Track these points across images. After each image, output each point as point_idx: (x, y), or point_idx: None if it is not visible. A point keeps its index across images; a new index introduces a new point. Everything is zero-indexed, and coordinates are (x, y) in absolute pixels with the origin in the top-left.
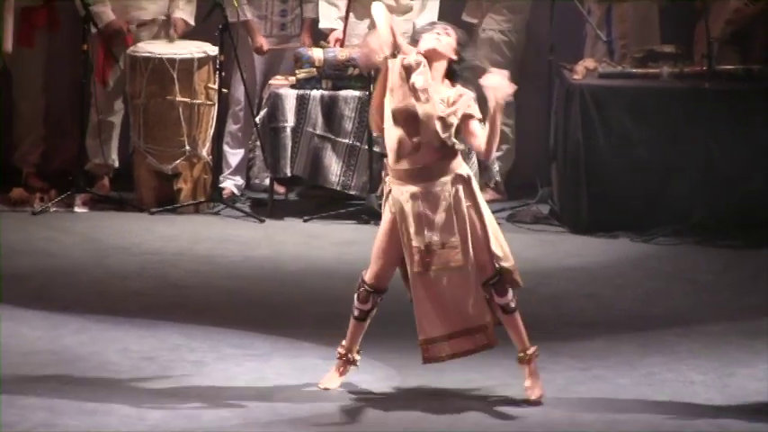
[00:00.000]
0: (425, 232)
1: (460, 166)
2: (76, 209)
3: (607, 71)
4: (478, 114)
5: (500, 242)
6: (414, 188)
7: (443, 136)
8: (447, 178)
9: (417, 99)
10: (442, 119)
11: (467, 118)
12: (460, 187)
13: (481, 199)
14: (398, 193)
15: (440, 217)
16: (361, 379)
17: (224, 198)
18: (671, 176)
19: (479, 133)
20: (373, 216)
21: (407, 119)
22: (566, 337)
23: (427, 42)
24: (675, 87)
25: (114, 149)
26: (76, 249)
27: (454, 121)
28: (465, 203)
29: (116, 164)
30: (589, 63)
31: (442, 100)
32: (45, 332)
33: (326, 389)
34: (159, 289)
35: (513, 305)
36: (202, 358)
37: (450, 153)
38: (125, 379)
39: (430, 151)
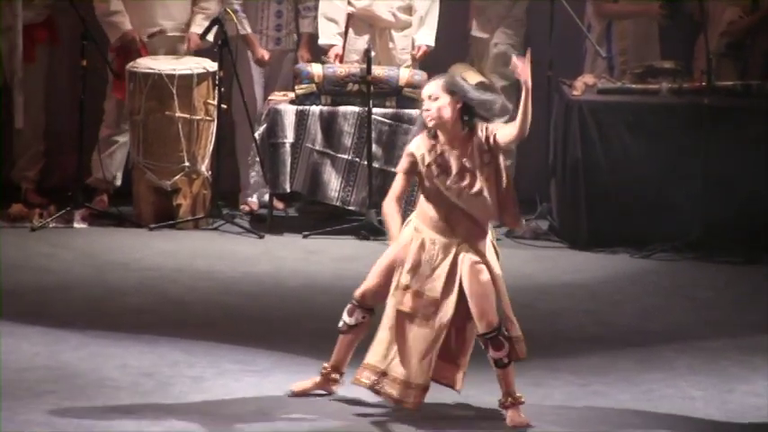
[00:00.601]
0: (417, 277)
1: (486, 245)
2: (75, 225)
3: (606, 87)
4: (501, 122)
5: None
6: (434, 236)
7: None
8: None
9: None
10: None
11: (495, 135)
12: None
13: (493, 260)
14: (419, 231)
15: (436, 272)
16: (363, 394)
17: (247, 214)
18: (670, 192)
19: (510, 128)
20: (372, 232)
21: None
22: (565, 352)
23: (426, 123)
24: (675, 103)
25: (119, 167)
26: (75, 265)
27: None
28: (468, 262)
29: (118, 182)
30: (588, 79)
31: (470, 156)
32: (44, 348)
33: (294, 392)
34: (158, 305)
35: (506, 360)
36: (202, 374)
37: (484, 230)
38: (124, 395)
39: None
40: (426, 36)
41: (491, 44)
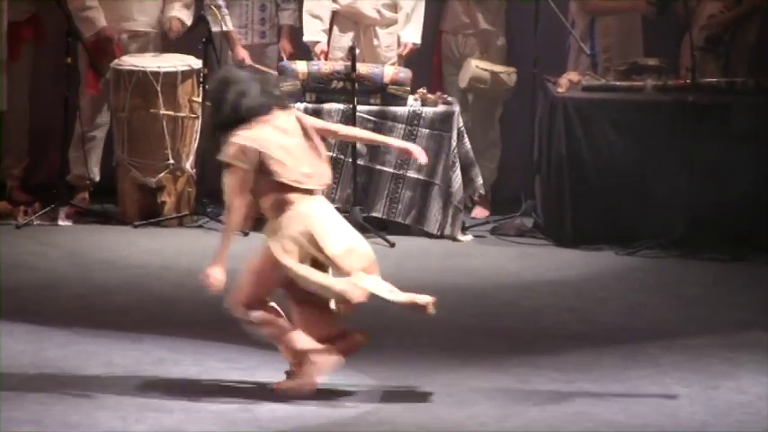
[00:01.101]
0: None
1: None
2: (60, 222)
3: (591, 84)
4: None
5: None
6: None
7: None
8: None
9: None
10: None
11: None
12: None
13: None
14: None
15: None
16: (344, 392)
17: None
18: (655, 189)
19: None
20: (357, 229)
21: None
22: (549, 350)
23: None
24: (659, 100)
25: (96, 163)
26: (60, 263)
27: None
28: None
29: (96, 177)
30: (573, 76)
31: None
32: (29, 346)
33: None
34: (144, 302)
35: None
36: (186, 371)
37: None
38: (110, 393)
39: None
40: (412, 33)
41: (496, 38)
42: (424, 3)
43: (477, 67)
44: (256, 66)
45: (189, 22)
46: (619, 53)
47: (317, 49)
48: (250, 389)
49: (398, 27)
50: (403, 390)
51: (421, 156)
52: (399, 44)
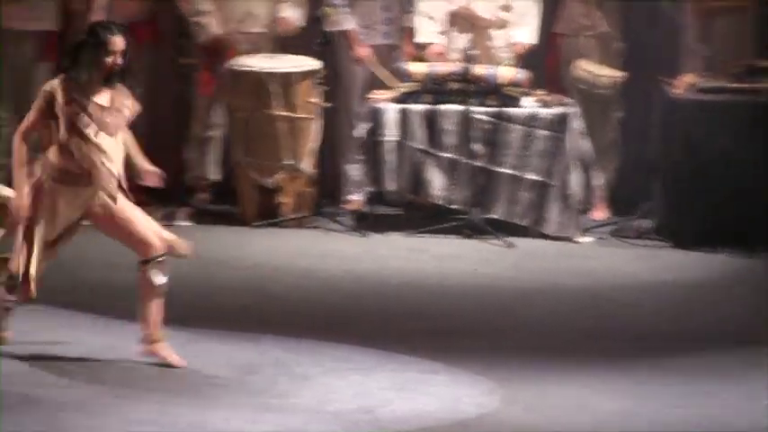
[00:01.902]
0: None
1: None
2: (179, 222)
3: (708, 86)
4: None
5: None
6: None
7: None
8: None
9: None
10: None
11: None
12: None
13: None
14: None
15: None
16: (465, 393)
17: (350, 212)
18: None
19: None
20: (476, 230)
21: None
22: (668, 351)
23: None
24: None
25: (214, 163)
26: (179, 263)
27: None
28: None
29: (216, 177)
30: (690, 77)
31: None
32: None
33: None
34: (262, 303)
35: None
36: (306, 372)
37: None
38: (229, 393)
39: None
40: (527, 34)
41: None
42: (537, 3)
43: (581, 68)
44: (374, 69)
45: (299, 21)
46: (732, 54)
47: (432, 50)
48: (370, 389)
49: (513, 28)
50: (523, 391)
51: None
52: (514, 45)
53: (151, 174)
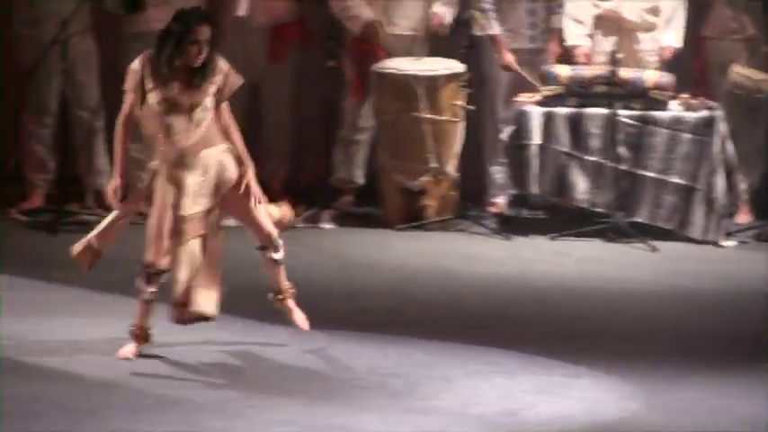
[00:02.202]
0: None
1: None
2: (323, 225)
3: None
4: None
5: None
6: None
7: None
8: None
9: None
10: None
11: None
12: None
13: None
14: None
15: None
16: (607, 397)
17: (494, 215)
18: None
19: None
20: (620, 234)
21: None
22: None
23: None
24: None
25: (360, 166)
26: (322, 265)
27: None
28: None
29: (361, 181)
30: None
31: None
32: (291, 348)
33: (127, 358)
34: (405, 306)
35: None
36: (448, 374)
37: None
38: (372, 395)
39: None
40: (673, 37)
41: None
42: (684, 6)
43: (737, 73)
44: (522, 72)
45: (449, 19)
46: None
47: (580, 53)
48: (513, 392)
49: (659, 31)
50: (664, 395)
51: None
52: (660, 48)
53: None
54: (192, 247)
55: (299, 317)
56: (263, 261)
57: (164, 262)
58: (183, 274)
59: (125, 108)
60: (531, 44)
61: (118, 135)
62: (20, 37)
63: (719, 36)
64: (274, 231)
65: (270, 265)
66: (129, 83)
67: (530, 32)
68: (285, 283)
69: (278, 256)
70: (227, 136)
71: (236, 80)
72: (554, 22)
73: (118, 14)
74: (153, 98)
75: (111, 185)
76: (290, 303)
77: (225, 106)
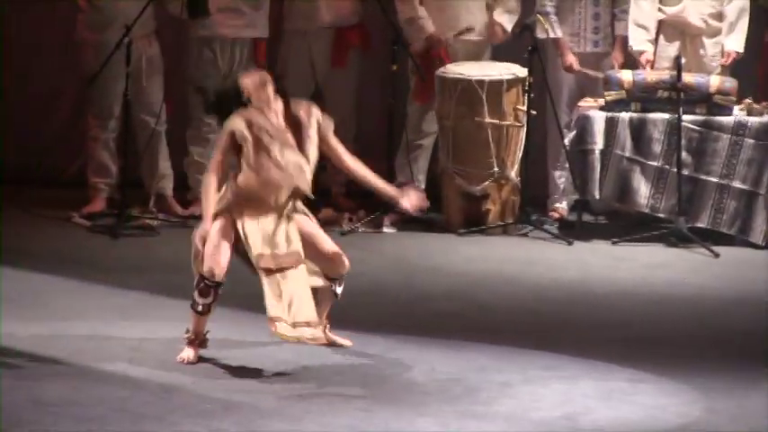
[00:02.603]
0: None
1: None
2: (385, 229)
3: None
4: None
5: None
6: None
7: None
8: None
9: None
10: None
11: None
12: None
13: None
14: None
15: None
16: (668, 402)
17: (556, 220)
18: None
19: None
20: (682, 239)
21: None
22: None
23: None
24: None
25: (421, 171)
26: (384, 270)
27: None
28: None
29: (422, 185)
30: None
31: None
32: (351, 353)
33: (190, 362)
34: (466, 310)
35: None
36: (509, 379)
37: None
38: (432, 400)
39: None
40: (735, 42)
41: None
42: (748, 11)
43: None
44: (585, 71)
45: (509, 26)
46: None
47: (644, 58)
48: (574, 398)
49: (723, 36)
50: (726, 401)
51: (408, 206)
52: (723, 53)
53: (409, 196)
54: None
55: (342, 340)
56: (323, 291)
57: (221, 274)
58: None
59: (215, 164)
60: (595, 48)
61: (208, 185)
62: (84, 42)
63: None
64: (347, 263)
65: (329, 298)
66: (223, 140)
67: (593, 37)
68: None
69: (339, 291)
70: None
71: None
72: (618, 29)
73: (182, 19)
74: (255, 141)
75: (202, 231)
76: (330, 334)
77: None
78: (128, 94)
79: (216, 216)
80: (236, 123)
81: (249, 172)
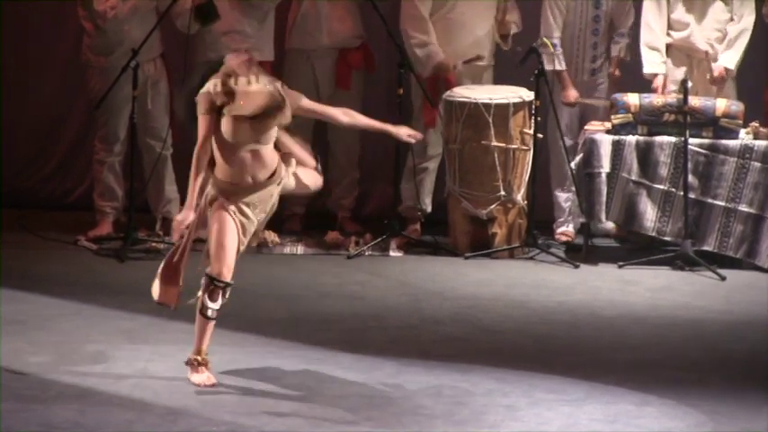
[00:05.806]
0: None
1: None
2: (391, 253)
3: None
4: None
5: None
6: None
7: None
8: None
9: None
10: None
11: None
12: None
13: None
14: None
15: None
16: (674, 425)
17: (562, 243)
18: None
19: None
20: (688, 262)
21: None
22: None
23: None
24: None
25: (427, 194)
26: (390, 293)
27: None
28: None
29: (428, 209)
30: None
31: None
32: (357, 375)
33: (213, 384)
34: (472, 333)
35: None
36: (515, 403)
37: None
38: (438, 423)
39: None
40: (729, 59)
41: None
42: (749, 33)
43: None
44: (586, 101)
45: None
46: None
47: (657, 82)
48: (580, 421)
49: (720, 51)
50: (732, 424)
51: (406, 137)
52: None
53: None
54: None
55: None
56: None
57: (229, 274)
58: None
59: (202, 136)
60: (593, 76)
61: (196, 163)
62: (91, 65)
63: None
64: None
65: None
66: (201, 107)
67: (591, 65)
68: None
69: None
70: None
71: None
72: (613, 51)
73: (187, 36)
74: (225, 104)
75: (182, 217)
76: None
77: None
78: (134, 117)
79: (211, 203)
80: (208, 84)
81: (223, 164)
